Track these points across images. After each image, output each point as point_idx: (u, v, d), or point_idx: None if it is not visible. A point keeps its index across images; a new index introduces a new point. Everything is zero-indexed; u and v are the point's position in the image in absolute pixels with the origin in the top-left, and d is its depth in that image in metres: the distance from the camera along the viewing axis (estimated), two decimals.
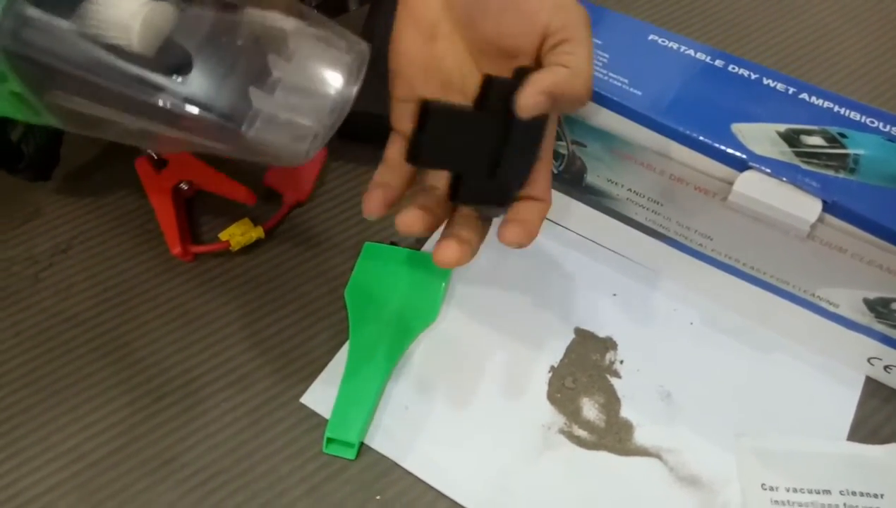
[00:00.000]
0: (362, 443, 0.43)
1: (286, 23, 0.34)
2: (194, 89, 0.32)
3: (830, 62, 0.62)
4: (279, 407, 0.44)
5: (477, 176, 0.35)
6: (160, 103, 0.32)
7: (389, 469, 0.42)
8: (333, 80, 0.34)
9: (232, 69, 0.33)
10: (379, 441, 0.43)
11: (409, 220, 0.35)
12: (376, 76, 0.37)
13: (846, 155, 0.40)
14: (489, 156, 0.35)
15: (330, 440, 0.43)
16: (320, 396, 0.44)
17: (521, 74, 0.34)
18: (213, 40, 0.33)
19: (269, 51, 0.34)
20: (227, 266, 0.50)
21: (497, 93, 0.34)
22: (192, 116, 0.33)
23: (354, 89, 0.34)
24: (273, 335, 0.47)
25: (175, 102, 0.32)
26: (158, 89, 0.32)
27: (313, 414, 0.44)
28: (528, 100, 0.33)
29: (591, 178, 0.47)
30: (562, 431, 0.43)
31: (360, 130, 0.49)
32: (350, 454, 0.42)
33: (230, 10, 0.34)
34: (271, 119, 0.33)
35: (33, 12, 0.31)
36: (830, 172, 0.39)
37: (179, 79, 0.32)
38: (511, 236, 0.35)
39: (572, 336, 0.47)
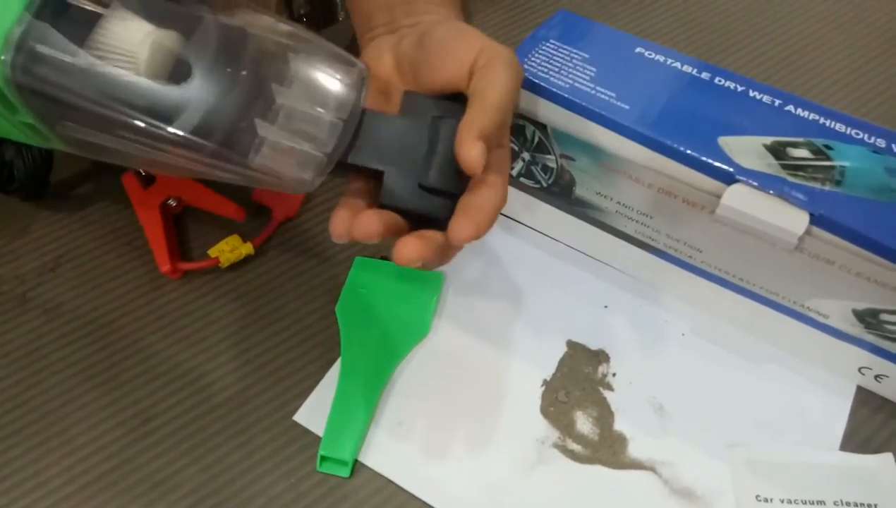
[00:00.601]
0: (356, 461, 0.43)
1: (288, 50, 0.35)
2: (200, 119, 0.33)
3: (816, 71, 0.62)
4: (271, 426, 0.44)
5: (401, 177, 0.35)
6: (167, 134, 0.33)
7: (384, 486, 0.42)
8: (336, 106, 0.35)
9: (236, 97, 0.33)
10: (372, 457, 0.43)
11: (409, 251, 0.34)
12: None
13: (832, 167, 0.40)
14: (412, 159, 0.36)
15: (324, 458, 0.42)
16: (313, 413, 0.44)
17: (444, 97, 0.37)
18: (216, 68, 0.33)
19: (272, 78, 0.34)
20: (216, 283, 0.50)
21: (416, 105, 0.36)
22: (198, 146, 0.33)
23: (358, 112, 0.35)
24: (264, 352, 0.47)
25: (182, 133, 0.33)
26: (166, 120, 0.32)
27: (306, 432, 0.44)
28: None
29: (580, 191, 0.47)
30: (556, 445, 0.43)
31: None
32: (344, 472, 0.42)
33: (232, 37, 0.34)
34: (276, 147, 0.34)
35: (43, 48, 0.31)
36: (817, 185, 0.39)
37: (186, 109, 0.32)
38: (460, 230, 0.34)
39: (564, 349, 0.47)
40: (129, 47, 0.32)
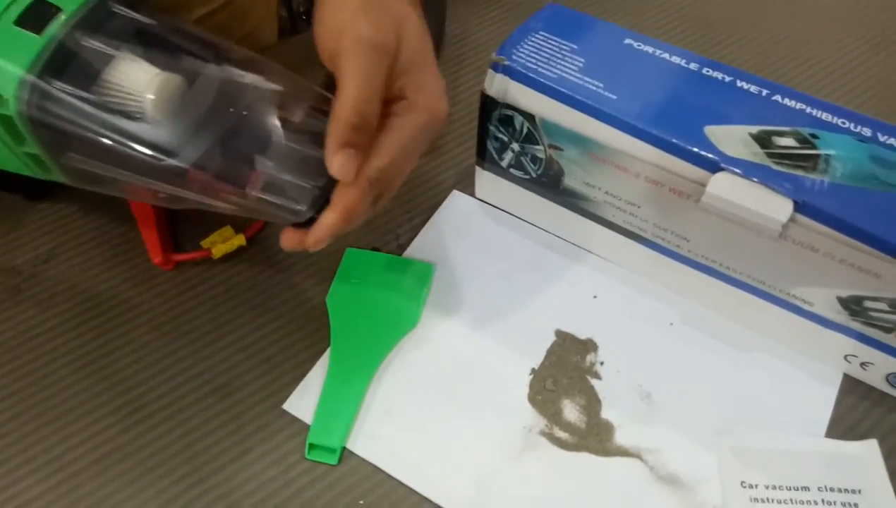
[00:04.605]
0: (345, 448, 0.43)
1: (284, 92, 0.37)
2: (202, 154, 0.34)
3: (808, 63, 0.63)
4: (261, 414, 0.44)
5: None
6: (170, 167, 0.34)
7: (372, 474, 0.42)
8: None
9: (236, 134, 0.35)
10: (361, 445, 0.43)
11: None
12: None
13: (817, 155, 0.40)
14: None
15: (312, 446, 0.43)
16: (302, 402, 0.45)
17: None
18: (219, 108, 0.35)
19: (270, 118, 0.36)
20: (208, 274, 0.50)
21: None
22: (199, 180, 0.35)
23: None
24: (255, 342, 0.47)
25: (184, 167, 0.34)
26: (169, 155, 0.34)
27: (295, 421, 0.44)
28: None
29: (568, 181, 0.47)
30: (543, 433, 0.43)
31: None
32: (332, 459, 0.43)
33: (233, 82, 0.36)
34: (273, 181, 0.36)
35: (56, 86, 0.33)
36: (801, 173, 0.40)
37: (189, 144, 0.34)
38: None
39: (553, 338, 0.47)
40: (138, 86, 0.34)
